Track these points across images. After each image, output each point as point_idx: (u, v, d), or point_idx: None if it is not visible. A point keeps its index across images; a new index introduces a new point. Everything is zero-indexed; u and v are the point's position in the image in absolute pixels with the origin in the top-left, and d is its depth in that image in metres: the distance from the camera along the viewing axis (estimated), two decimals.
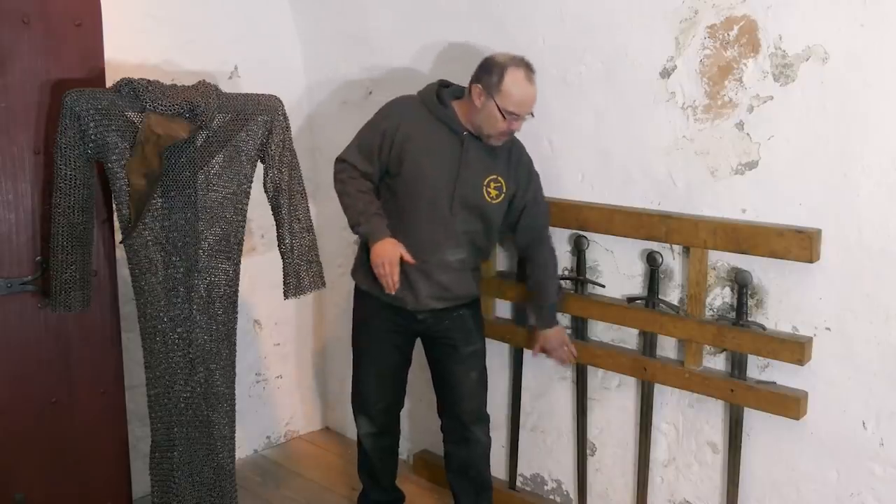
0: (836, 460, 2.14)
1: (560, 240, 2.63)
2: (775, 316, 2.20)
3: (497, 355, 2.82)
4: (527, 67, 2.25)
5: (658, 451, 2.52)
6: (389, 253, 2.27)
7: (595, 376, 2.64)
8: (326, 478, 3.18)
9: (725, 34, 2.16)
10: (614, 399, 2.62)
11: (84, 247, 2.17)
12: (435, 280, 2.36)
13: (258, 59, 3.10)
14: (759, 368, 2.25)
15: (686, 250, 2.32)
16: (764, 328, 2.20)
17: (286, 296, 2.46)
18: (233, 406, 2.42)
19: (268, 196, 2.42)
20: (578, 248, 2.56)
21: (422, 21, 2.80)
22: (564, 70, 2.51)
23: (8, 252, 2.15)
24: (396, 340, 2.52)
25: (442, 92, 2.38)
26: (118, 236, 2.28)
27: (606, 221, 2.43)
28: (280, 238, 2.44)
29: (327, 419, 3.65)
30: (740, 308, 2.22)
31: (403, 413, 2.71)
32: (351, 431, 3.29)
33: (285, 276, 2.44)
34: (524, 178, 2.44)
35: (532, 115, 2.32)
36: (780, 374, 2.21)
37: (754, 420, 2.28)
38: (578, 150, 2.54)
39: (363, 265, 2.45)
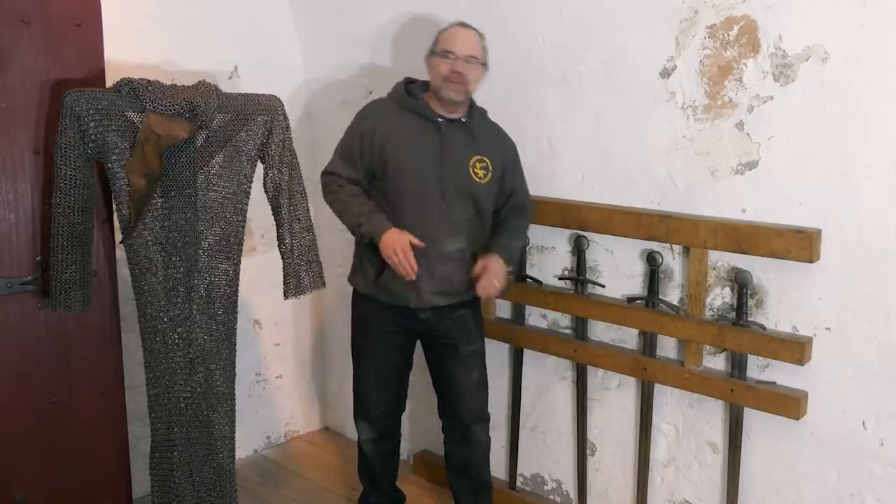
0: (836, 460, 2.14)
1: (560, 240, 2.63)
2: (775, 316, 2.20)
3: (497, 355, 2.82)
4: (462, 23, 2.36)
5: (658, 451, 2.52)
6: (399, 240, 2.26)
7: (595, 376, 2.64)
8: (326, 478, 3.18)
9: (725, 34, 2.16)
10: (614, 399, 2.62)
11: (84, 247, 2.17)
12: (436, 274, 2.36)
13: (258, 59, 3.11)
14: (759, 368, 2.25)
15: (686, 250, 2.32)
16: (764, 328, 2.20)
17: (286, 296, 2.46)
18: (233, 406, 2.42)
19: (268, 196, 2.42)
20: (578, 248, 2.56)
21: (422, 21, 2.80)
22: (564, 70, 2.51)
23: (8, 252, 2.14)
24: (397, 341, 2.51)
25: (409, 87, 2.43)
26: (118, 236, 2.27)
27: (606, 221, 2.43)
28: (280, 238, 2.44)
29: (327, 419, 3.65)
30: (740, 308, 2.22)
31: (403, 415, 2.70)
32: (351, 431, 3.29)
33: (285, 276, 2.45)
34: (511, 159, 2.48)
35: (479, 61, 2.34)
36: (780, 374, 2.21)
37: (754, 420, 2.27)
38: (578, 150, 2.54)
39: (361, 269, 2.45)
